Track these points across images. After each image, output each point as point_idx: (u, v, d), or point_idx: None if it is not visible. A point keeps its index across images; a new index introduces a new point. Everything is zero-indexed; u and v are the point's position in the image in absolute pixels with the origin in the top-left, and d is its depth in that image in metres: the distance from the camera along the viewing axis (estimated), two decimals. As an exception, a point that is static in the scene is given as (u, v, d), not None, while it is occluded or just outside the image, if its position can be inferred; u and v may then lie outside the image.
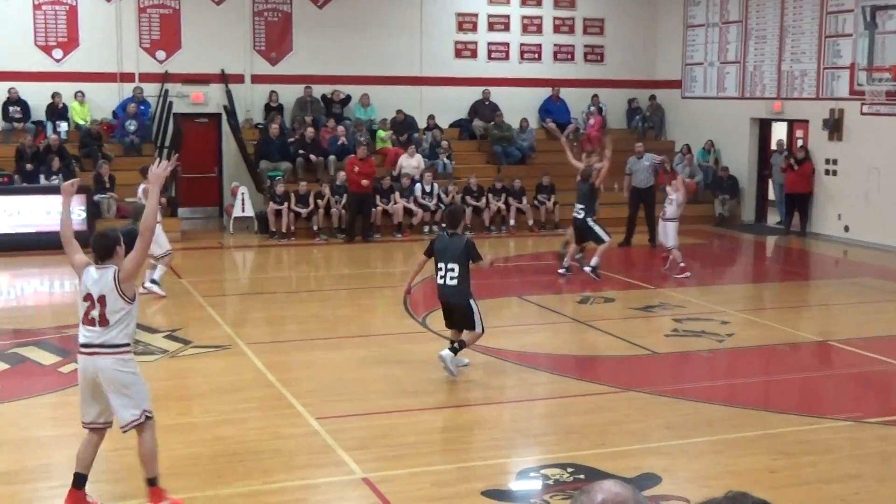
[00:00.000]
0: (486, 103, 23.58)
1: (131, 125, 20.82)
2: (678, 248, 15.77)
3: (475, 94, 23.67)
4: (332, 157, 20.99)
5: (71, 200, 7.27)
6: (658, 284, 15.24)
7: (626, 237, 18.95)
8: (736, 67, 22.61)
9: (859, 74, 18.89)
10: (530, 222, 21.09)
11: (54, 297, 15.39)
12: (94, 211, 18.50)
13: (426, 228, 20.47)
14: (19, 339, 11.72)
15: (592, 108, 24.25)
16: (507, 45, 24.10)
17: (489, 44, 23.93)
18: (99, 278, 6.70)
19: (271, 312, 13.76)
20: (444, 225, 9.95)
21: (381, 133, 22.18)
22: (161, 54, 21.70)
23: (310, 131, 21.15)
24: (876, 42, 18.44)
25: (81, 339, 6.72)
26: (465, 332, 9.97)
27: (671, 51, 24.53)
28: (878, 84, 18.40)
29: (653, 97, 24.75)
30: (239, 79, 22.10)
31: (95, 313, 6.63)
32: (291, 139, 21.32)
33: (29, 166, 19.13)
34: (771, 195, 22.55)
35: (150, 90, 21.49)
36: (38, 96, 20.71)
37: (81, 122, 20.85)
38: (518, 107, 23.61)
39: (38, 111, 20.77)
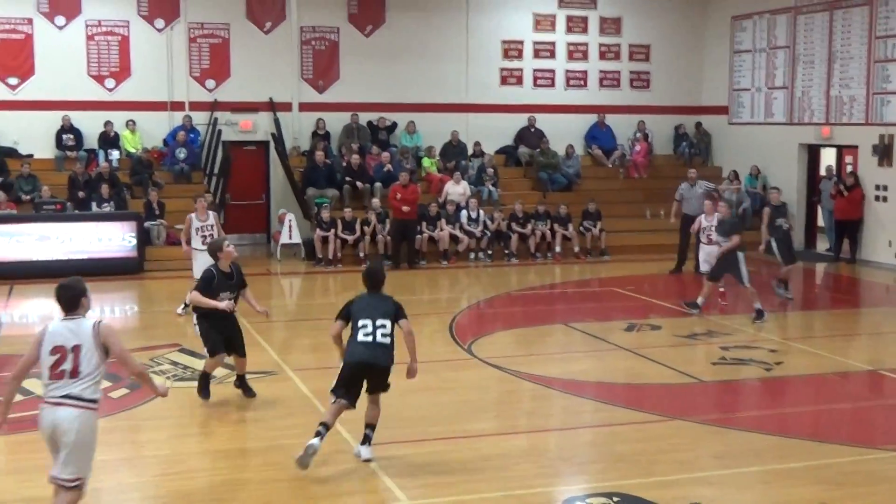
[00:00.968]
0: (532, 130, 23.59)
1: (181, 153, 21.10)
2: (715, 278, 15.18)
3: (521, 120, 23.70)
4: (377, 184, 21.10)
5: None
6: (706, 312, 15.08)
7: (676, 264, 18.81)
8: (784, 93, 22.46)
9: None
10: (576, 249, 21.01)
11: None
12: (143, 238, 18.75)
13: (472, 255, 20.49)
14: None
15: (638, 135, 24.19)
16: (553, 71, 24.14)
17: (535, 70, 24.00)
18: (73, 329, 6.39)
19: (318, 339, 13.76)
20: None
21: (426, 160, 22.26)
22: (210, 83, 22.01)
23: (355, 158, 21.28)
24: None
25: (50, 391, 6.35)
26: (372, 414, 8.50)
27: (717, 76, 24.42)
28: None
29: (699, 124, 24.64)
30: (286, 107, 22.34)
31: (67, 365, 6.31)
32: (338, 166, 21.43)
33: (81, 194, 19.44)
34: (820, 221, 22.31)
35: (200, 118, 21.79)
36: (90, 125, 21.09)
37: (132, 150, 21.15)
38: (564, 133, 23.60)
39: (91, 139, 21.14)
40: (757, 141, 23.06)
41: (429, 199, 21.04)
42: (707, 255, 15.85)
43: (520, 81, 23.95)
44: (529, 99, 23.88)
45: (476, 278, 19.15)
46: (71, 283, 6.62)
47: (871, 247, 20.20)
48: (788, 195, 22.03)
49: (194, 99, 21.90)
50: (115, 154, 20.90)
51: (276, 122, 21.98)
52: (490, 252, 20.66)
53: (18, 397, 10.35)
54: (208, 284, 9.91)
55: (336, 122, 22.39)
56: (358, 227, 20.05)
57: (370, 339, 8.19)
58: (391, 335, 8.29)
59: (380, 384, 8.38)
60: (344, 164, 21.44)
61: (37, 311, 16.07)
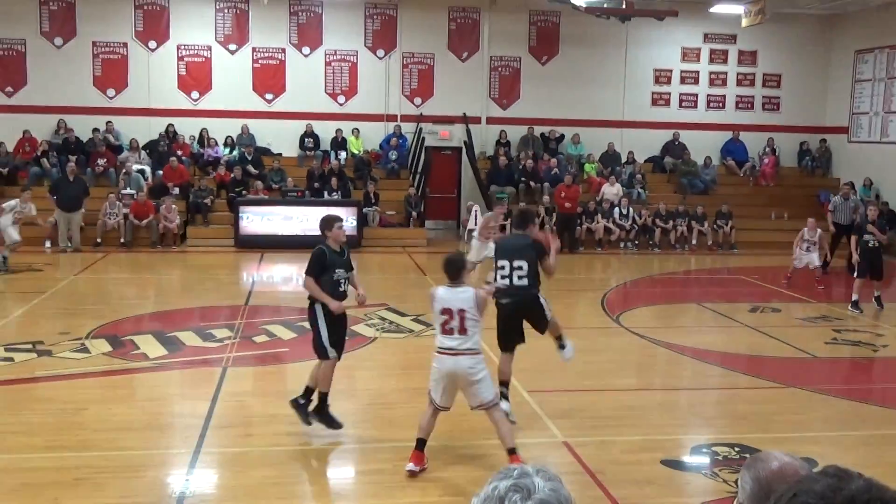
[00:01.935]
0: (676, 143, 22.97)
1: (393, 155, 21.59)
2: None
3: (667, 135, 23.11)
4: (546, 184, 21.02)
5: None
6: (825, 300, 14.28)
7: (824, 262, 17.68)
8: (899, 116, 21.05)
9: None
10: (709, 243, 20.39)
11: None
12: (362, 220, 19.29)
13: (622, 244, 20.21)
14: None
15: (767, 149, 23.20)
16: (696, 95, 23.41)
17: (680, 94, 23.33)
18: (455, 296, 6.27)
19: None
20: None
21: (587, 166, 22.02)
22: (418, 100, 22.40)
23: (530, 162, 21.27)
24: None
25: (445, 344, 6.35)
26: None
27: (840, 101, 23.09)
28: None
29: (823, 140, 23.40)
30: (476, 120, 22.49)
31: (455, 324, 6.29)
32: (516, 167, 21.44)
33: (316, 185, 20.16)
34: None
35: (408, 128, 22.21)
36: (325, 131, 21.81)
37: (356, 152, 21.76)
38: (703, 147, 22.86)
39: (325, 143, 21.86)
40: (873, 157, 21.70)
41: (588, 197, 20.82)
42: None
43: (667, 103, 23.33)
44: (675, 118, 23.24)
45: (624, 263, 18.83)
46: (454, 257, 6.46)
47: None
48: (899, 205, 20.74)
49: (405, 112, 22.34)
50: (342, 154, 21.54)
51: (468, 132, 22.19)
52: (637, 242, 20.31)
53: (264, 338, 10.90)
54: (320, 262, 7.44)
55: (515, 133, 22.40)
56: (530, 218, 20.00)
57: (509, 280, 7.57)
58: (528, 275, 7.64)
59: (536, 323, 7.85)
60: (520, 166, 21.46)
61: (280, 273, 16.85)
